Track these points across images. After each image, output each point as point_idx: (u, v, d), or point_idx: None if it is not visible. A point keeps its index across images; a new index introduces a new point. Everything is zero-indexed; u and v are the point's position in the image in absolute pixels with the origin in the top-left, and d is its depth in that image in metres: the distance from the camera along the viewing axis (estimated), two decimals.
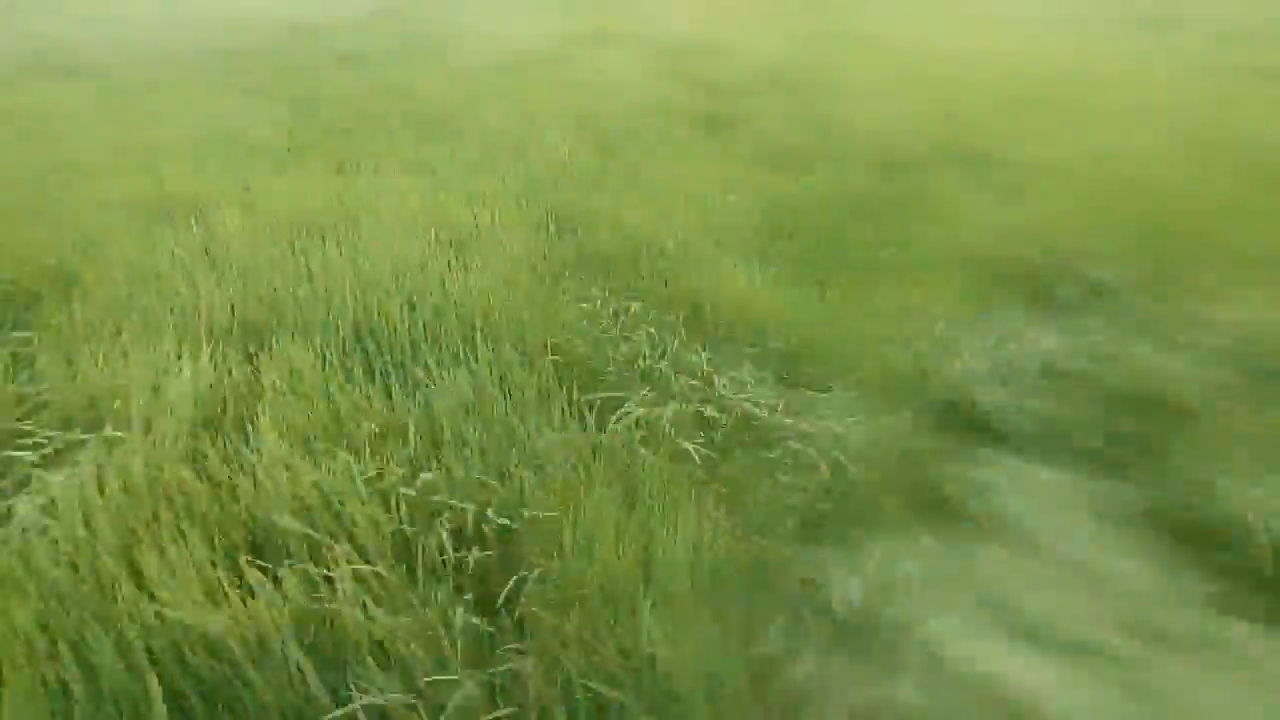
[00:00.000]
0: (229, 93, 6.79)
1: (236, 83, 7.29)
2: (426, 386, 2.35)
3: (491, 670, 1.45)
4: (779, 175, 4.54)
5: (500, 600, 1.59)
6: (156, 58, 9.02)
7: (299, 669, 1.42)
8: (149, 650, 1.39)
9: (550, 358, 2.59)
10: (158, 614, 1.43)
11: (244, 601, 1.54)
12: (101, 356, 2.36)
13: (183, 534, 1.68)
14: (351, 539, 1.73)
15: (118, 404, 2.13)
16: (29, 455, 1.95)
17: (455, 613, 1.52)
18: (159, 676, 1.36)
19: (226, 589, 1.46)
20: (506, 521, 1.77)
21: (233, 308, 2.85)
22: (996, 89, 6.49)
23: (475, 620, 1.52)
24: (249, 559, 1.65)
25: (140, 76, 7.80)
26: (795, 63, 8.39)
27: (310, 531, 1.68)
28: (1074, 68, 7.48)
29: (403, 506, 1.75)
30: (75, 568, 1.55)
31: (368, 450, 1.99)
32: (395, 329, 2.73)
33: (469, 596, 1.58)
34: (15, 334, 2.66)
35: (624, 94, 6.78)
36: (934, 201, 4.05)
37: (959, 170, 4.58)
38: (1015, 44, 9.26)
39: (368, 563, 1.67)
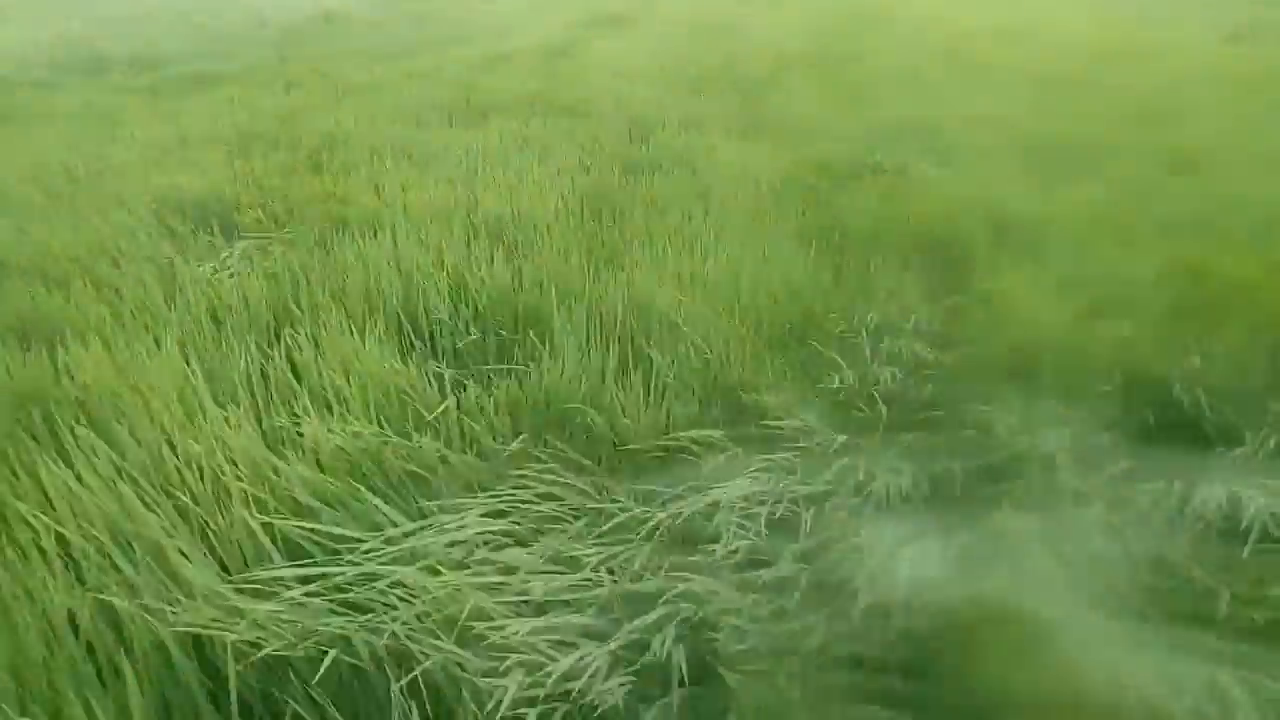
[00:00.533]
0: (272, 87, 6.82)
1: (279, 75, 7.33)
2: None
3: None
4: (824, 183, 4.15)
5: None
6: (185, 53, 9.07)
7: None
8: None
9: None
10: None
11: None
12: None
13: None
14: None
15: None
16: None
17: None
18: None
19: None
20: None
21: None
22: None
23: None
24: None
25: (174, 71, 7.85)
26: (819, 44, 8.23)
27: None
28: (1119, 42, 7.27)
29: None
30: None
31: None
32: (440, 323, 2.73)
33: None
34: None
35: (652, 79, 6.71)
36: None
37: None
38: (1055, 18, 9.00)
39: None
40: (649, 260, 3.10)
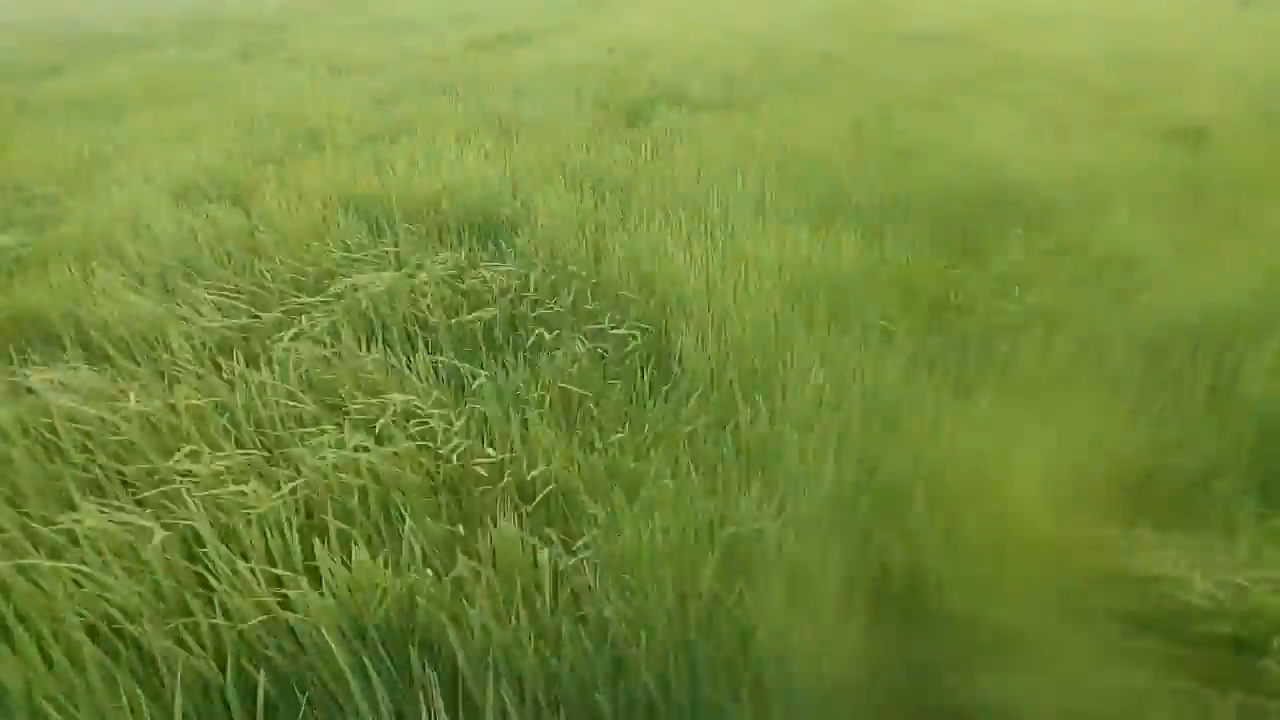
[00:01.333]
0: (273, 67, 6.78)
1: (280, 56, 7.29)
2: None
3: None
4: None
5: None
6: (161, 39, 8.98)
7: None
8: None
9: None
10: None
11: None
12: None
13: None
14: None
15: None
16: None
17: None
18: None
19: None
20: None
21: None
22: None
23: None
24: None
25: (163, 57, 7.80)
26: (830, 53, 7.61)
27: None
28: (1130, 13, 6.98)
29: None
30: None
31: None
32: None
33: None
34: None
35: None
36: None
37: None
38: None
39: None
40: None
